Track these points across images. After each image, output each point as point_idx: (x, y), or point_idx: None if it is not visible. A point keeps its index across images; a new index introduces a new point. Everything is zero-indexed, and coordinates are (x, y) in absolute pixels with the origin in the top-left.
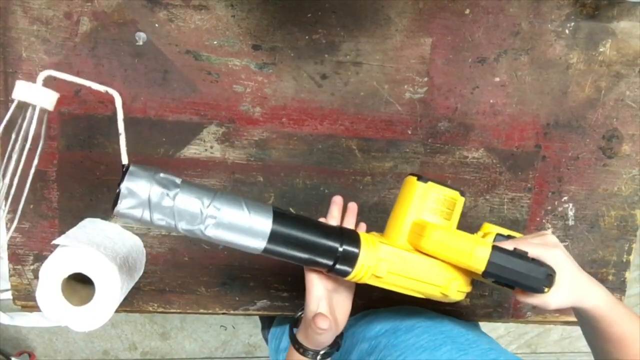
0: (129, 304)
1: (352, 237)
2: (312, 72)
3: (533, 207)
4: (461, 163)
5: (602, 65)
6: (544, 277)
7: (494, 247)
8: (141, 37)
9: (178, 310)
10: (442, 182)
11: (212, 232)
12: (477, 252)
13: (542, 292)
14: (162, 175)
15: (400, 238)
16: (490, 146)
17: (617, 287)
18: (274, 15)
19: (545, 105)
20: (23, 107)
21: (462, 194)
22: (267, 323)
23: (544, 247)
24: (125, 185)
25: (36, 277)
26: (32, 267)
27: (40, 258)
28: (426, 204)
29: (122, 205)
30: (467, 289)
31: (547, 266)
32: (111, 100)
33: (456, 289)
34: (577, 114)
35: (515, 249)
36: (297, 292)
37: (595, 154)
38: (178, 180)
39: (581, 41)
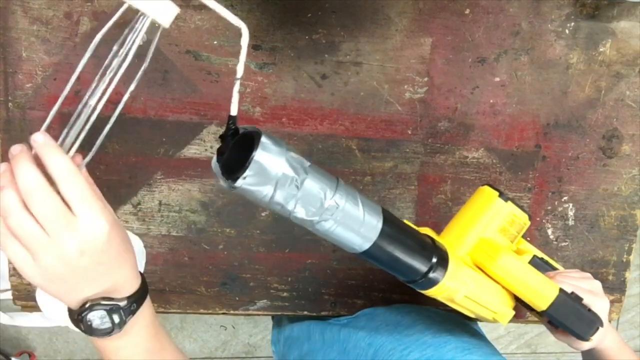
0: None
1: (442, 254)
2: (312, 72)
3: (533, 207)
4: (461, 163)
5: (602, 65)
6: (594, 329)
7: (560, 291)
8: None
9: (178, 310)
10: (517, 203)
11: (324, 227)
12: (544, 292)
13: (586, 340)
14: (293, 154)
15: (463, 249)
16: (490, 146)
17: (617, 287)
18: (274, 15)
19: (545, 105)
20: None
21: (530, 218)
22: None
23: (594, 295)
24: (257, 157)
25: None
26: None
27: None
28: (499, 223)
29: (247, 181)
30: (512, 313)
31: (599, 318)
32: (111, 100)
33: (507, 315)
34: (577, 114)
35: (573, 293)
36: (297, 292)
37: (595, 154)
38: (307, 163)
39: (581, 41)
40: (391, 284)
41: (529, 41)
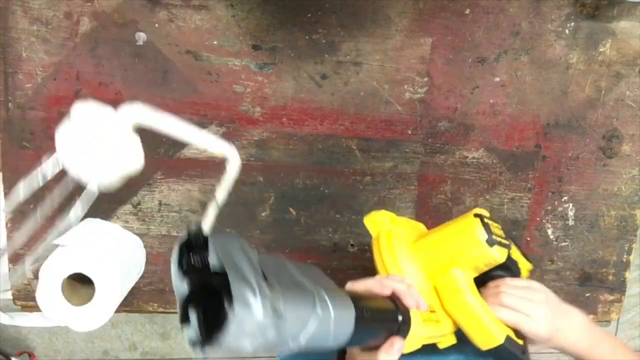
0: (129, 304)
1: (405, 318)
2: (312, 72)
3: (533, 207)
4: (461, 163)
5: (602, 65)
6: None
7: (506, 338)
8: (141, 37)
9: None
10: (501, 241)
11: (300, 345)
12: (490, 336)
13: None
14: (269, 294)
15: (430, 269)
16: (490, 146)
17: (617, 287)
18: (274, 15)
19: (545, 105)
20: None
21: (508, 253)
22: None
23: (527, 318)
24: (235, 316)
25: (36, 277)
26: (32, 267)
27: (40, 258)
28: (476, 264)
29: (230, 339)
30: (454, 341)
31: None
32: (111, 100)
33: (449, 342)
34: (577, 114)
35: (516, 332)
36: None
37: (595, 154)
38: (279, 303)
39: (581, 41)
40: None
41: (529, 41)
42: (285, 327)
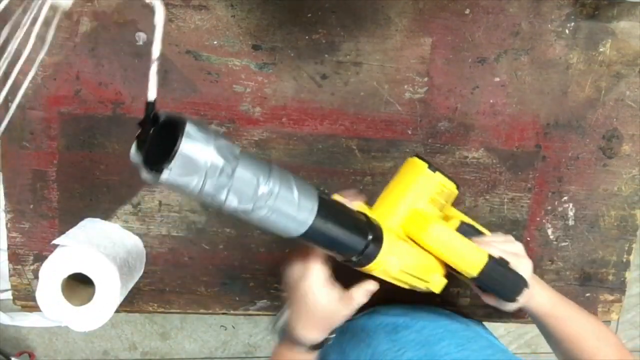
0: (129, 304)
1: (377, 231)
2: (312, 72)
3: (533, 207)
4: (461, 163)
5: (602, 65)
6: (520, 290)
7: (489, 257)
8: (141, 37)
9: (178, 310)
10: (444, 172)
11: (258, 215)
12: (474, 259)
13: (513, 302)
14: (222, 141)
15: (393, 220)
16: (490, 146)
17: (617, 287)
18: (274, 15)
19: (545, 105)
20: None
21: (458, 187)
22: None
23: (518, 257)
24: (182, 147)
25: (36, 277)
26: (32, 267)
27: (40, 258)
28: (428, 194)
29: (173, 173)
30: (444, 281)
31: (523, 279)
32: (111, 100)
33: (439, 284)
34: (577, 114)
35: (500, 257)
36: None
37: (595, 154)
38: (237, 150)
39: (581, 41)
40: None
41: (529, 41)
42: (238, 176)
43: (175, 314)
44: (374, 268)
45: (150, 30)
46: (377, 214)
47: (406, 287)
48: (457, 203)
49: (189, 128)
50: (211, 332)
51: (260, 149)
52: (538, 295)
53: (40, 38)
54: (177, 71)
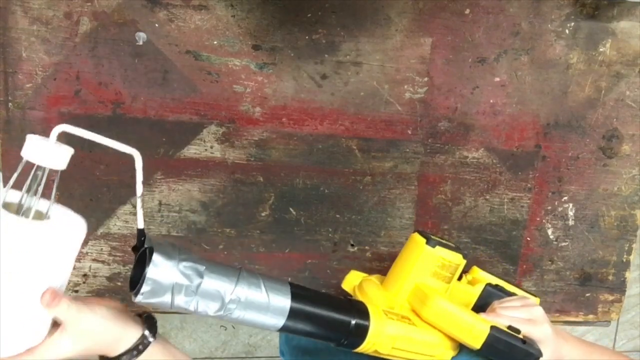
0: (128, 304)
1: (361, 311)
2: (312, 72)
3: (533, 207)
4: (461, 163)
5: (602, 65)
6: None
7: (492, 328)
8: (141, 37)
9: None
10: (447, 244)
11: (233, 317)
12: (474, 331)
13: None
14: (185, 264)
15: (401, 296)
16: (490, 146)
17: (617, 287)
18: (274, 15)
19: (545, 105)
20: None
21: (465, 256)
22: None
23: (533, 324)
24: (149, 274)
25: None
26: None
27: None
28: (430, 268)
29: (145, 295)
30: (454, 354)
31: (536, 349)
32: (111, 100)
33: (446, 358)
34: (577, 114)
35: (509, 326)
36: None
37: (595, 154)
38: (201, 268)
39: (581, 41)
40: None
41: (529, 41)
42: (203, 290)
43: (175, 314)
44: (365, 350)
45: (150, 30)
46: (386, 288)
47: None
48: (457, 203)
49: (155, 257)
50: (211, 332)
51: (260, 149)
52: (568, 355)
53: None
54: (177, 71)
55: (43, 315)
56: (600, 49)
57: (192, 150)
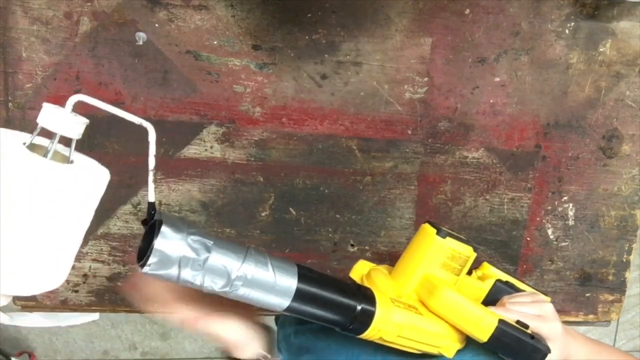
0: (129, 304)
1: (368, 297)
2: (312, 72)
3: (533, 207)
4: (461, 163)
5: (602, 65)
6: (538, 356)
7: (500, 321)
8: (141, 37)
9: None
10: (458, 236)
11: (239, 294)
12: (482, 324)
13: None
14: (193, 237)
15: (409, 286)
16: (490, 146)
17: (617, 287)
18: (274, 15)
19: (545, 105)
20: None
21: (475, 249)
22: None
23: (542, 320)
24: (157, 245)
25: None
26: None
27: None
28: (439, 259)
29: (152, 267)
30: (461, 346)
31: (544, 345)
32: (111, 100)
33: (452, 348)
34: (577, 114)
35: (518, 321)
36: None
37: (595, 154)
38: (209, 243)
39: (581, 41)
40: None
41: (529, 41)
42: (210, 265)
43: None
44: (369, 336)
45: (150, 30)
46: (394, 278)
47: (413, 351)
48: (457, 203)
49: (164, 228)
50: None
51: (260, 149)
52: (576, 354)
53: None
54: (177, 71)
55: (63, 258)
56: (600, 49)
57: (192, 150)
